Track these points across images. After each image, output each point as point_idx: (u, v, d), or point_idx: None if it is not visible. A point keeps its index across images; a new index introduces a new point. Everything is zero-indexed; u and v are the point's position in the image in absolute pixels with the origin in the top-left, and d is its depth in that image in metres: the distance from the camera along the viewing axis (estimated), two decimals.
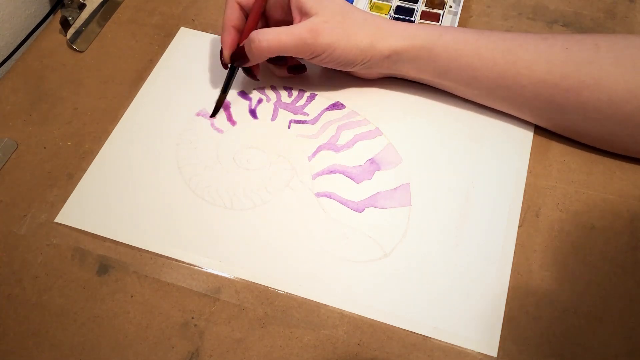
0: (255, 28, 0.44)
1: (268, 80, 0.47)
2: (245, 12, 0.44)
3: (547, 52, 0.39)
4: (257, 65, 0.45)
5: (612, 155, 0.42)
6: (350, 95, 0.46)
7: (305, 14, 0.41)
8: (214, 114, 0.45)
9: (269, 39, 0.40)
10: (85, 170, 0.43)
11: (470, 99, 0.44)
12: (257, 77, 0.46)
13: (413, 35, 0.41)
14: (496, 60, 0.40)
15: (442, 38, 0.41)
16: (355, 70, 0.44)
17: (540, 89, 0.40)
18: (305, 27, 0.40)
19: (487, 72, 0.41)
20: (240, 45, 0.43)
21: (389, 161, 0.43)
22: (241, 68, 0.45)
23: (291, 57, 0.44)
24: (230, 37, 0.44)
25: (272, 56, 0.42)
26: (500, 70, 0.40)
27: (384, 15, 0.50)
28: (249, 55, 0.42)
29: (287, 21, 0.43)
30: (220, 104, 0.45)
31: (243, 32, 0.44)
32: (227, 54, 0.44)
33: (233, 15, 0.44)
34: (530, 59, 0.40)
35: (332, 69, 0.45)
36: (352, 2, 0.51)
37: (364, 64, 0.42)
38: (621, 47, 0.39)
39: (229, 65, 0.45)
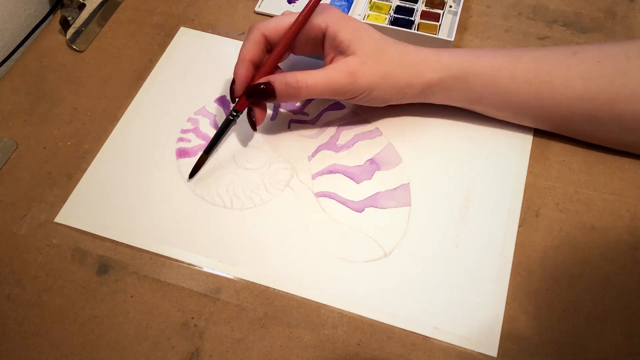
0: (279, 62, 0.42)
1: None
2: (268, 45, 0.41)
3: (580, 67, 0.39)
4: (264, 114, 0.42)
5: (612, 155, 0.42)
6: None
7: (341, 53, 0.40)
8: (191, 175, 0.42)
9: (309, 83, 0.39)
10: (85, 170, 0.43)
11: (502, 119, 0.43)
12: (257, 128, 0.43)
13: (447, 66, 0.40)
14: (530, 82, 0.40)
15: (476, 66, 0.40)
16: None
17: (576, 105, 0.39)
18: (343, 70, 0.39)
19: (522, 95, 0.40)
20: (258, 82, 0.40)
21: (389, 161, 0.43)
22: (246, 113, 0.42)
23: None
24: (246, 71, 0.40)
25: (304, 99, 0.40)
26: (535, 91, 0.40)
27: (383, 15, 0.50)
28: (281, 95, 0.39)
29: (314, 55, 0.42)
30: (200, 165, 0.42)
31: (262, 66, 0.41)
32: (239, 88, 0.40)
33: (255, 50, 0.40)
34: (565, 77, 0.39)
35: None
36: (351, 4, 0.51)
37: (398, 100, 0.42)
38: None
39: (227, 116, 0.42)
